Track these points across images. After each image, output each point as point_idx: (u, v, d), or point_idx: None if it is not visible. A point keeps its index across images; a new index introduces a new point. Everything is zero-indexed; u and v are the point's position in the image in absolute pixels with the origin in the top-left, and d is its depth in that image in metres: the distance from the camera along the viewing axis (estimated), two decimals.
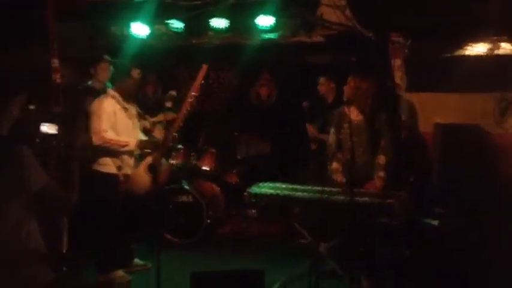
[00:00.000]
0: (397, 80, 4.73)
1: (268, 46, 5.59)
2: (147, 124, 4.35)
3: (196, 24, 5.46)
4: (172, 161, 5.35)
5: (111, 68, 4.63)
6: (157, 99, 5.63)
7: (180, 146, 5.48)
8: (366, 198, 3.53)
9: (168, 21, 5.35)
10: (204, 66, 3.70)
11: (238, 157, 6.41)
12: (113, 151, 3.96)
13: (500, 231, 3.65)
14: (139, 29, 5.34)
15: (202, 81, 3.66)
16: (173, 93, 4.08)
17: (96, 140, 3.85)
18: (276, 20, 5.15)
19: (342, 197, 3.58)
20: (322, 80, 5.54)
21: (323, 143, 4.84)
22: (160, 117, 4.33)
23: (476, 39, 4.69)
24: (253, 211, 5.91)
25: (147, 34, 5.40)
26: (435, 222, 3.82)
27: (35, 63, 3.19)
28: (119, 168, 4.03)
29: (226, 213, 5.81)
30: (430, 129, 4.68)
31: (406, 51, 4.71)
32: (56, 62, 3.38)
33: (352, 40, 4.98)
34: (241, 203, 4.25)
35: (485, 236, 3.65)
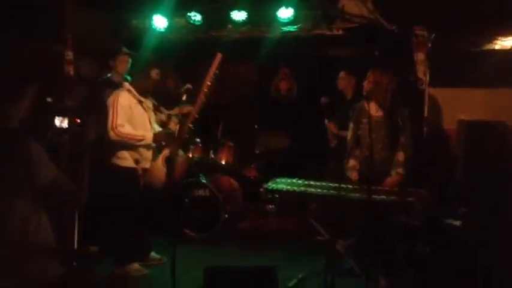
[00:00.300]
0: (420, 74, 4.63)
1: (288, 39, 5.52)
2: (162, 117, 4.34)
3: (216, 17, 5.45)
4: (190, 155, 5.35)
5: (130, 60, 4.63)
6: (178, 92, 5.62)
7: (198, 140, 5.47)
8: (384, 196, 3.44)
9: (189, 14, 5.34)
10: (218, 55, 3.64)
11: (257, 151, 6.37)
12: (129, 145, 3.96)
13: None
14: (160, 22, 5.36)
15: (217, 71, 3.60)
16: (189, 86, 4.04)
17: (112, 135, 3.85)
18: (296, 13, 5.09)
19: (358, 194, 3.50)
20: (342, 74, 5.42)
21: (343, 139, 4.72)
22: (176, 110, 4.31)
23: (504, 33, 4.53)
24: (271, 206, 5.88)
25: (166, 27, 5.42)
26: (457, 223, 3.71)
27: (49, 54, 3.19)
28: (137, 161, 4.03)
29: (244, 208, 5.78)
30: (454, 125, 4.55)
31: (430, 45, 4.59)
32: (70, 55, 3.37)
33: (374, 33, 4.88)
34: (259, 197, 4.23)
35: (509, 235, 3.53)
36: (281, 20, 5.17)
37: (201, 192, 5.16)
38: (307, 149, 6.10)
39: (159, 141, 4.04)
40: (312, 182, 3.93)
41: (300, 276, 3.94)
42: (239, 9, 5.23)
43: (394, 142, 3.88)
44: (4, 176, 1.84)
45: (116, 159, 4.02)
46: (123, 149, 3.99)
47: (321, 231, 4.15)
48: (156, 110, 4.26)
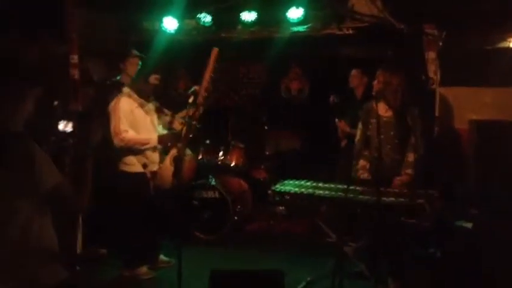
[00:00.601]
0: (431, 74, 4.57)
1: (298, 39, 5.50)
2: (167, 119, 4.34)
3: (226, 18, 5.45)
4: (200, 156, 5.34)
5: (140, 63, 4.64)
6: (187, 95, 5.62)
7: (207, 141, 5.46)
8: (393, 198, 3.38)
9: (199, 16, 5.34)
10: (214, 50, 3.63)
11: (267, 153, 6.33)
12: (136, 150, 3.96)
13: None
14: (170, 24, 5.38)
15: (216, 65, 3.59)
16: (196, 88, 4.04)
17: (117, 142, 3.85)
18: (306, 12, 5.07)
19: (367, 197, 3.45)
20: (354, 72, 5.36)
21: (353, 139, 4.68)
22: (183, 112, 4.30)
23: None
24: (281, 208, 5.83)
25: (176, 29, 5.43)
26: (469, 225, 3.64)
27: (54, 57, 3.20)
28: (145, 165, 4.03)
29: (254, 210, 5.75)
30: (465, 125, 4.48)
31: (441, 43, 4.52)
32: (75, 58, 3.37)
33: (384, 32, 4.82)
34: (268, 199, 4.20)
35: None
36: (291, 20, 5.15)
37: (210, 194, 5.14)
38: (318, 150, 6.05)
39: (165, 143, 4.04)
40: (320, 184, 3.88)
41: (308, 279, 3.91)
42: (249, 9, 5.23)
43: (404, 142, 3.82)
44: (7, 179, 1.83)
45: (123, 166, 4.00)
46: (129, 155, 3.98)
47: (330, 233, 4.10)
48: (159, 112, 4.26)
